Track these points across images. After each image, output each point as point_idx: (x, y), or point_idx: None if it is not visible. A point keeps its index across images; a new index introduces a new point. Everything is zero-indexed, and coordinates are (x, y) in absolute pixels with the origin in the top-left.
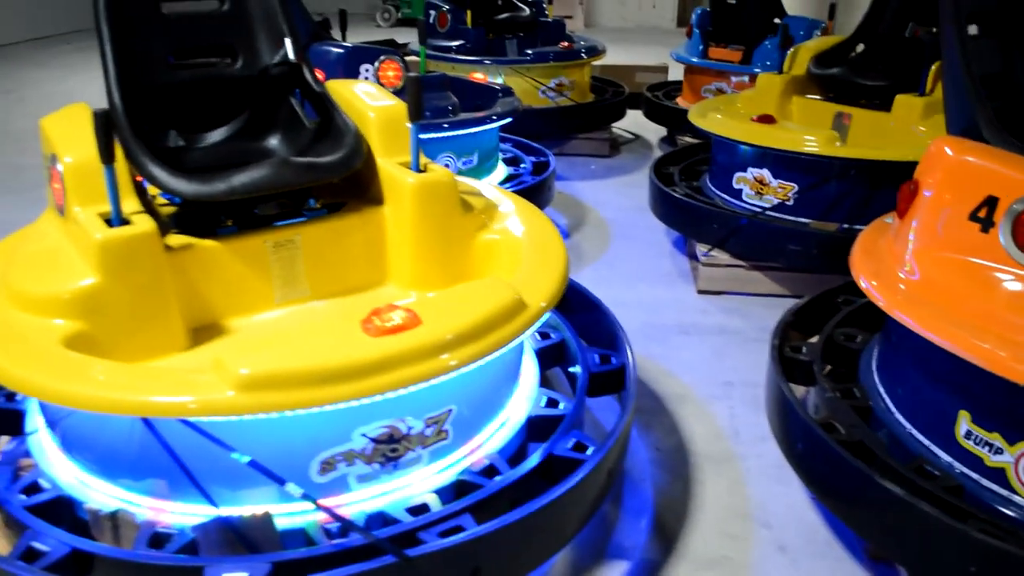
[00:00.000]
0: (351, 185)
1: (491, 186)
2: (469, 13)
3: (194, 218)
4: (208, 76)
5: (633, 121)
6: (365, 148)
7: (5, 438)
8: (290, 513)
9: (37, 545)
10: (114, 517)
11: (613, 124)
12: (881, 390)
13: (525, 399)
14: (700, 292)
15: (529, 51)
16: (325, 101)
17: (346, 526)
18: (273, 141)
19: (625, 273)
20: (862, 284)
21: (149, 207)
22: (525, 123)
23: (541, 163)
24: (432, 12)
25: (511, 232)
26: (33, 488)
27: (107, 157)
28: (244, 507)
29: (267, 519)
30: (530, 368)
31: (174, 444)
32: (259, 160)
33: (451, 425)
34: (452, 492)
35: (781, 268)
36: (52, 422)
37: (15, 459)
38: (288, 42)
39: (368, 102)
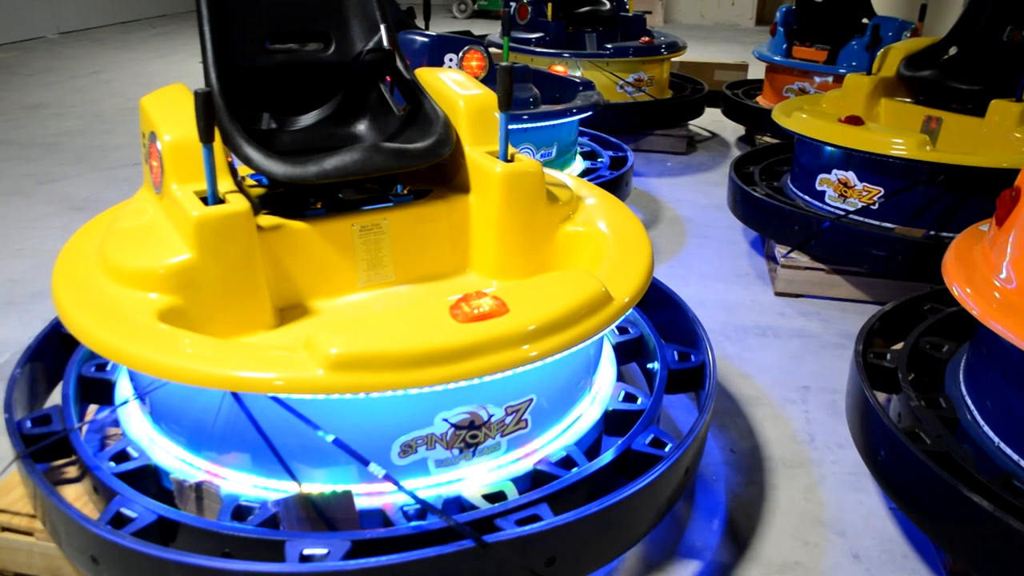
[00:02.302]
0: (436, 173)
1: (577, 179)
2: (550, 6)
3: (282, 200)
4: (302, 61)
5: (711, 119)
6: (454, 136)
7: (94, 407)
8: (369, 493)
9: (125, 511)
10: (199, 488)
11: (691, 122)
12: (968, 401)
13: (603, 393)
14: (778, 294)
15: (609, 45)
16: (415, 88)
17: (425, 509)
18: (362, 126)
19: (701, 272)
20: (955, 291)
21: (240, 187)
22: (602, 117)
23: (619, 158)
24: (512, 4)
25: (595, 225)
26: (122, 456)
27: (207, 137)
28: (325, 485)
29: (348, 497)
30: (608, 362)
31: (260, 420)
32: (348, 145)
33: (530, 415)
34: (528, 481)
35: (863, 273)
36: (142, 393)
37: (103, 428)
38: (383, 28)
39: (458, 91)
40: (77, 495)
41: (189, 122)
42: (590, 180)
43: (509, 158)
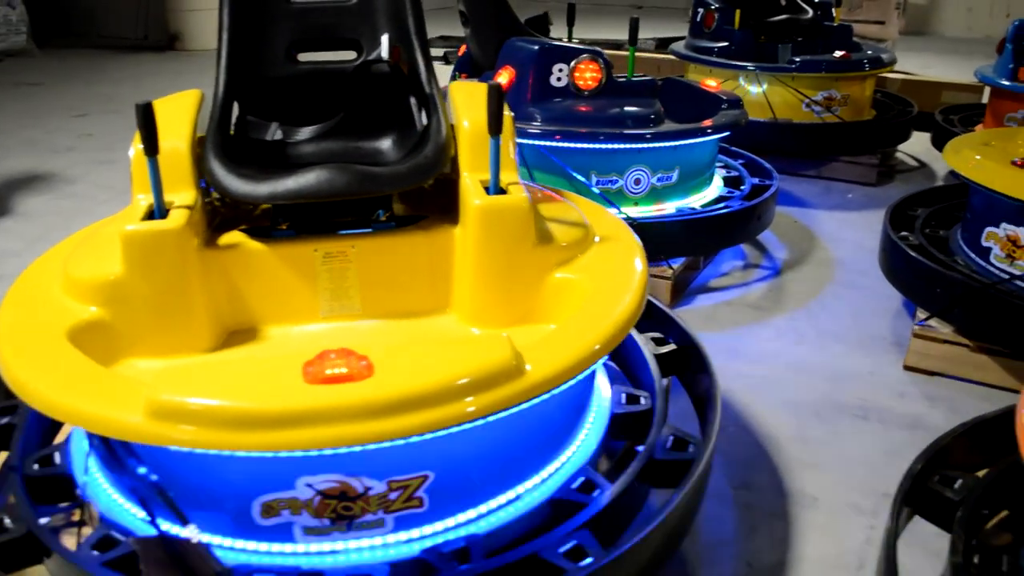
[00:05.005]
0: (438, 197)
1: (608, 214)
2: (738, 13)
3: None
4: (327, 71)
5: (925, 147)
6: (446, 159)
7: None
8: (235, 549)
9: (6, 520)
10: (81, 506)
11: (900, 147)
12: None
13: (560, 471)
14: (907, 368)
15: (796, 58)
16: (430, 103)
17: None
18: (386, 142)
19: (824, 329)
20: None
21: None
22: (781, 139)
23: (764, 187)
24: (700, 10)
25: (593, 273)
26: (47, 460)
27: (149, 149)
28: (189, 529)
29: (204, 549)
30: (593, 434)
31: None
32: (372, 160)
33: (426, 493)
34: (415, 569)
35: (1017, 356)
36: None
37: None
38: (384, 39)
39: (466, 108)
40: None
41: (172, 132)
42: (720, 208)
43: (503, 188)
